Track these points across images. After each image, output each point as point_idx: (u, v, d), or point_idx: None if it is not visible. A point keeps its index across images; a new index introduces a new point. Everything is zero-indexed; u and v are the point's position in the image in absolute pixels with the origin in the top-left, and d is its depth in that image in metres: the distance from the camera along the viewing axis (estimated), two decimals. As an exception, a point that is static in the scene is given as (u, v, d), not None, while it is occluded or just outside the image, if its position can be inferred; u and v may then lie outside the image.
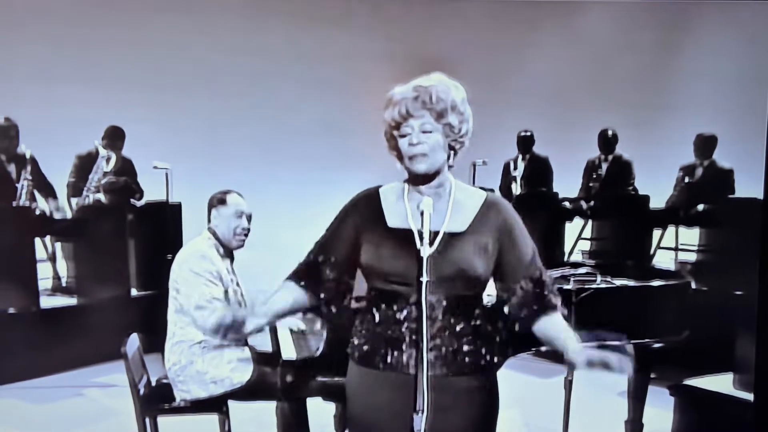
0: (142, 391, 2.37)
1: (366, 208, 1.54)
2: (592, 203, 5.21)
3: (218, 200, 2.51)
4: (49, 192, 4.43)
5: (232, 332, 1.56)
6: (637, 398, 2.73)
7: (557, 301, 1.52)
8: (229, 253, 2.52)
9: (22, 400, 3.56)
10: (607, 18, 6.34)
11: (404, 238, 1.44)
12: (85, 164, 4.56)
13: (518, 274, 1.49)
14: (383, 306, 1.48)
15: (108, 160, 4.53)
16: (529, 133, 5.40)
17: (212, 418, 2.51)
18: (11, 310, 3.90)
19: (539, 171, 5.34)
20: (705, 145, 4.91)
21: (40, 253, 4.35)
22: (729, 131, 4.96)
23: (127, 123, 4.72)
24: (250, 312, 1.56)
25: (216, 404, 2.43)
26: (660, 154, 5.54)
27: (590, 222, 5.28)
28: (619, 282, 2.56)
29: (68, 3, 5.31)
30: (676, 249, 5.13)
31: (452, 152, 1.50)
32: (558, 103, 6.22)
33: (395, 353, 1.46)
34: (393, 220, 1.50)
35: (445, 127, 1.46)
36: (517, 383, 3.30)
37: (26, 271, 4.01)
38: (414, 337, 1.42)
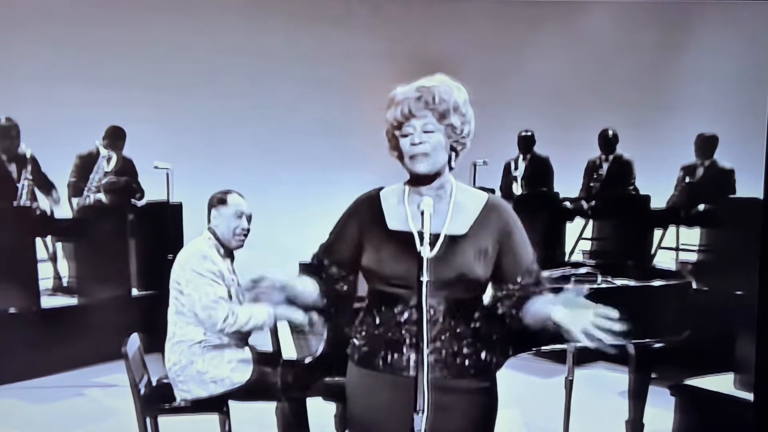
0: (142, 391, 2.37)
1: (367, 211, 1.54)
2: (592, 203, 5.21)
3: (218, 200, 2.51)
4: (48, 188, 4.43)
5: (269, 295, 1.48)
6: (637, 398, 2.73)
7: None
8: (229, 253, 2.52)
9: (22, 400, 3.56)
10: (608, 18, 6.34)
11: (405, 241, 1.44)
12: (86, 164, 4.57)
13: (515, 277, 1.49)
14: (384, 308, 1.49)
15: (109, 160, 4.53)
16: (529, 133, 5.40)
17: (213, 418, 2.51)
18: (12, 310, 3.90)
19: (540, 171, 5.34)
20: (706, 144, 4.90)
21: (41, 252, 4.36)
22: (729, 131, 4.95)
23: (127, 123, 4.72)
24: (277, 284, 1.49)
25: (216, 404, 2.44)
26: (661, 154, 5.54)
27: (591, 222, 5.28)
28: (619, 282, 2.56)
29: (68, 3, 5.31)
30: (676, 249, 5.13)
31: (453, 153, 1.50)
32: (559, 103, 6.22)
33: (395, 355, 1.46)
34: (393, 223, 1.50)
35: (447, 128, 1.46)
36: (518, 383, 3.29)
37: (27, 270, 4.01)
38: (414, 339, 1.42)
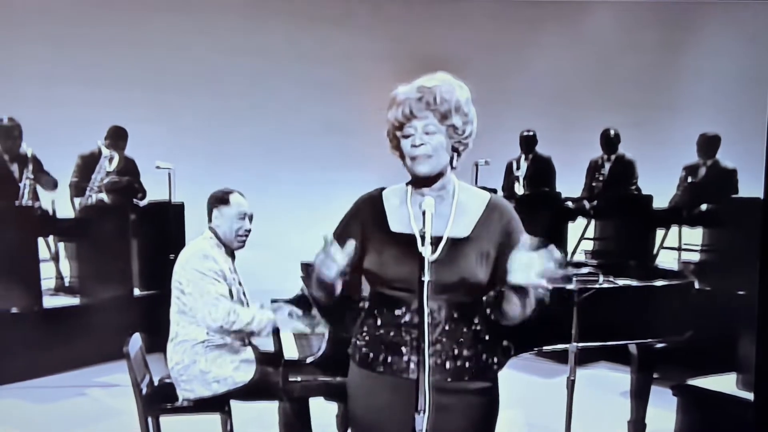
0: (144, 391, 2.37)
1: (369, 212, 1.53)
2: (595, 203, 5.20)
3: (220, 200, 2.50)
4: (48, 181, 4.42)
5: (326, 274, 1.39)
6: (640, 398, 2.73)
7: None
8: (230, 253, 2.52)
9: (24, 400, 3.57)
10: (609, 18, 6.33)
11: (407, 243, 1.43)
12: (88, 164, 4.57)
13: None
14: (385, 310, 1.48)
15: (111, 159, 4.54)
16: (531, 133, 5.39)
17: (214, 418, 2.52)
18: (14, 310, 3.90)
19: (542, 171, 5.33)
20: (708, 144, 4.89)
21: (43, 252, 4.36)
22: (731, 131, 4.95)
23: (128, 123, 4.73)
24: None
25: (218, 404, 2.44)
26: (663, 153, 5.53)
27: (593, 222, 5.28)
28: (621, 282, 2.55)
29: (68, 3, 5.32)
30: (679, 249, 5.12)
31: (455, 154, 1.49)
32: (560, 102, 6.21)
33: (396, 357, 1.46)
34: (396, 225, 1.50)
35: (448, 128, 1.45)
36: (520, 383, 3.30)
37: (29, 270, 4.02)
38: (415, 342, 1.42)
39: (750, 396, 2.38)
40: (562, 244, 5.06)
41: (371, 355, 1.49)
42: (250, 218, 2.53)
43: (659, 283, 2.59)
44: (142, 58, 5.36)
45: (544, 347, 2.43)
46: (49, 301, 4.22)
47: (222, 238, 2.49)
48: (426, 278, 1.28)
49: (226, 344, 2.42)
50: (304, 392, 2.25)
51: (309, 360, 2.23)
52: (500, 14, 6.23)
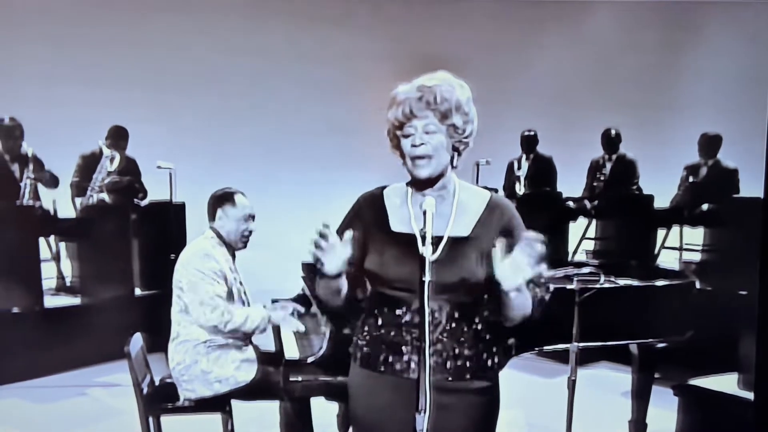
0: (145, 391, 2.37)
1: (371, 212, 1.53)
2: (596, 203, 5.20)
3: (225, 200, 2.50)
4: (49, 179, 4.41)
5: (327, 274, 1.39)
6: (640, 398, 2.72)
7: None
8: (231, 252, 2.52)
9: (25, 400, 3.57)
10: (610, 18, 6.33)
11: (407, 243, 1.43)
12: (89, 164, 4.57)
13: None
14: (386, 310, 1.48)
15: (112, 159, 4.54)
16: (532, 133, 5.39)
17: (215, 418, 2.52)
18: (15, 310, 3.91)
19: (543, 170, 5.33)
20: (709, 144, 4.89)
21: (44, 252, 4.36)
22: (731, 130, 4.95)
23: (128, 123, 4.73)
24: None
25: (219, 404, 2.44)
26: (664, 153, 5.53)
27: (594, 221, 5.28)
28: (622, 282, 2.55)
29: (68, 3, 5.32)
30: (680, 249, 5.12)
31: (456, 153, 1.49)
32: (561, 102, 6.21)
33: (396, 357, 1.46)
34: (397, 225, 1.50)
35: (449, 128, 1.45)
36: (521, 383, 3.29)
37: (30, 270, 4.02)
38: (416, 341, 1.42)
39: (751, 396, 2.38)
40: (563, 244, 5.06)
41: (372, 354, 1.49)
42: (253, 219, 2.53)
43: (660, 283, 2.59)
44: (142, 58, 5.36)
45: (545, 347, 2.43)
46: (50, 301, 4.23)
47: (225, 238, 2.49)
48: (427, 278, 1.28)
49: (228, 344, 2.42)
50: (305, 392, 2.25)
51: (310, 360, 2.23)
52: (500, 14, 6.23)
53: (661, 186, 5.08)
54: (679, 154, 5.19)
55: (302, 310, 2.48)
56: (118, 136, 4.65)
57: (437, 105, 1.43)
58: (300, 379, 2.21)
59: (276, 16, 5.80)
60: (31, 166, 4.30)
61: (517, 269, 1.33)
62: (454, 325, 1.46)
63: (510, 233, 1.47)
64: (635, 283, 2.59)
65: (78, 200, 4.59)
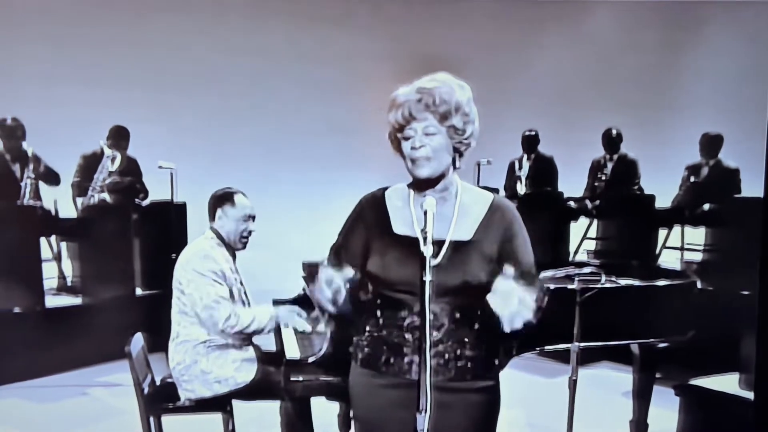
0: (146, 391, 2.37)
1: (372, 214, 1.52)
2: (597, 203, 5.20)
3: (224, 200, 2.49)
4: (51, 177, 4.41)
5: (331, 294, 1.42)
6: (642, 398, 2.72)
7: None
8: (231, 252, 2.52)
9: (26, 400, 3.57)
10: (610, 18, 6.33)
11: (409, 245, 1.43)
12: (90, 164, 4.57)
13: None
14: (387, 312, 1.48)
15: (113, 159, 4.54)
16: (533, 133, 5.39)
17: (216, 418, 2.52)
18: (16, 310, 3.91)
19: (544, 170, 5.33)
20: (711, 144, 4.88)
21: (46, 252, 4.36)
22: (732, 130, 4.94)
23: (128, 123, 4.73)
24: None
25: (220, 403, 2.44)
26: (665, 153, 5.53)
27: (595, 221, 5.27)
28: (624, 282, 2.54)
29: (68, 3, 5.32)
30: (681, 249, 5.11)
31: (457, 154, 1.48)
32: (562, 102, 6.21)
33: (398, 358, 1.46)
34: (399, 227, 1.49)
35: (449, 129, 1.44)
36: (522, 383, 3.29)
37: (31, 270, 4.02)
38: (417, 343, 1.42)
39: (752, 396, 2.37)
40: (564, 244, 5.05)
41: (373, 355, 1.49)
42: (253, 219, 2.52)
43: (662, 282, 2.58)
44: (142, 58, 5.36)
45: (546, 347, 2.43)
46: (52, 301, 4.23)
47: (225, 238, 2.49)
48: (427, 278, 1.28)
49: (228, 344, 2.42)
50: (305, 392, 2.25)
51: (311, 360, 2.22)
52: (500, 14, 6.23)
53: (662, 186, 5.07)
54: (680, 153, 5.19)
55: (304, 314, 2.47)
56: (119, 136, 4.65)
57: (436, 107, 1.43)
58: (301, 378, 2.20)
59: (276, 16, 5.80)
60: (31, 166, 4.31)
61: (507, 300, 1.32)
62: (455, 326, 1.46)
63: (509, 237, 1.47)
64: (636, 283, 2.58)
65: (79, 200, 4.59)
